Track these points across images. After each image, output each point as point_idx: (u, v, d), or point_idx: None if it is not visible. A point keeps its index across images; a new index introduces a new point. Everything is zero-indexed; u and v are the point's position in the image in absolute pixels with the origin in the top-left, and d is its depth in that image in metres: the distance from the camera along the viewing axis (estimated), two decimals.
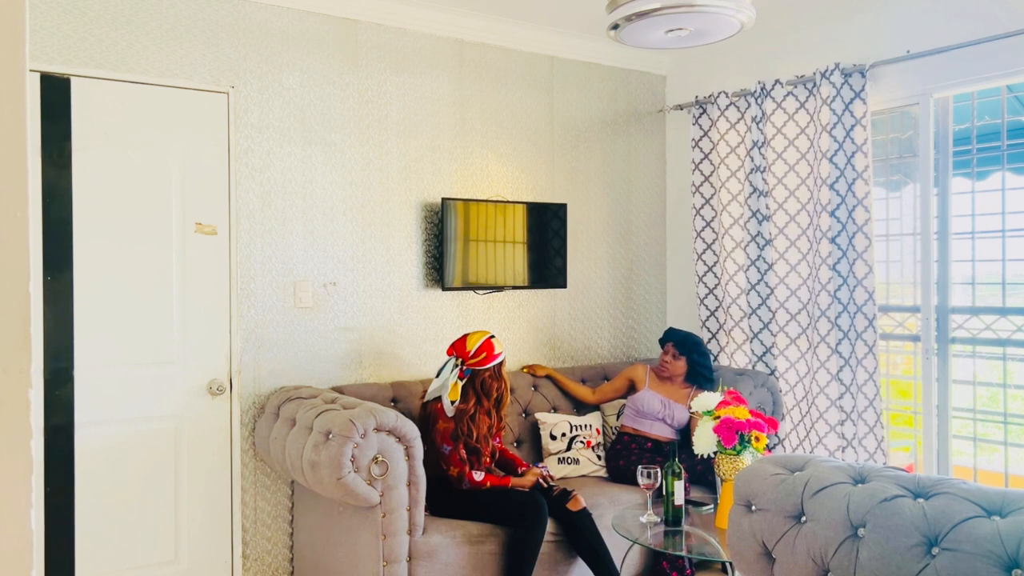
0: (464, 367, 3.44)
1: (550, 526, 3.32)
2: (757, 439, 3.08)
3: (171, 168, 3.48)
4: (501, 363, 3.53)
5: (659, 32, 2.87)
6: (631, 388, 4.23)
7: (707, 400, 3.30)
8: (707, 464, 3.69)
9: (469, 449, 3.43)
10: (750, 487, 2.05)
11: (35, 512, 0.84)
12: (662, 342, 4.20)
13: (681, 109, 4.84)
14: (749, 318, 4.46)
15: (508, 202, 4.32)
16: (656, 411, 4.02)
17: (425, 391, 3.59)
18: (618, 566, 3.39)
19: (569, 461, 4.04)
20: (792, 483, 1.96)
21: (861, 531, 1.78)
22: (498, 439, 3.66)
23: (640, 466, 3.28)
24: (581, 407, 4.33)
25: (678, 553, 3.13)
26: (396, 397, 3.85)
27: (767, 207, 4.28)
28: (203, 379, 3.56)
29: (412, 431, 3.13)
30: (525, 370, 4.36)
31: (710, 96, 4.58)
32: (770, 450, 3.60)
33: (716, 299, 4.65)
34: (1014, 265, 3.66)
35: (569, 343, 4.67)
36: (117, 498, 3.37)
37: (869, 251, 3.89)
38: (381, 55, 4.01)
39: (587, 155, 4.74)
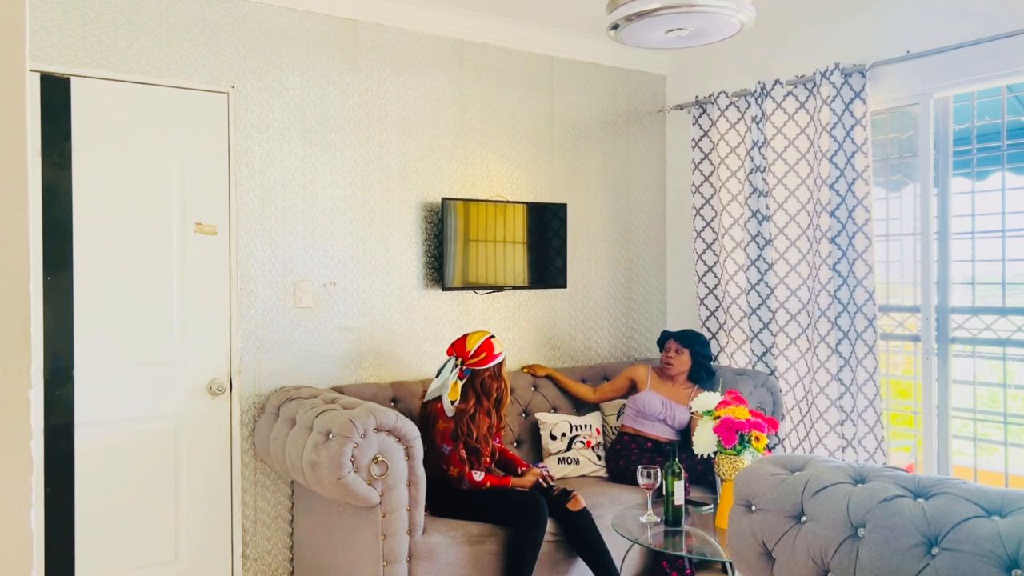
0: (464, 367, 3.44)
1: (550, 526, 3.32)
2: (757, 439, 3.08)
3: (171, 168, 3.48)
4: (501, 363, 3.52)
5: (659, 32, 2.87)
6: (632, 388, 4.23)
7: (707, 400, 3.30)
8: (707, 464, 3.69)
9: (469, 449, 3.43)
10: (750, 487, 2.05)
11: (35, 512, 0.84)
12: (661, 342, 4.22)
13: (681, 109, 4.84)
14: (749, 318, 4.46)
15: (508, 202, 4.32)
16: (657, 411, 4.02)
17: (425, 391, 3.59)
18: (618, 566, 3.39)
19: (569, 461, 4.04)
20: (792, 483, 1.96)
21: (861, 531, 1.78)
22: (498, 439, 3.66)
23: (640, 466, 3.28)
24: (581, 407, 4.33)
25: (678, 553, 3.13)
26: (396, 397, 3.85)
27: (767, 207, 4.28)
28: (203, 379, 3.56)
29: (412, 431, 3.13)
30: (525, 370, 4.36)
31: (710, 96, 4.58)
32: (770, 450, 3.60)
33: (716, 299, 4.65)
34: (1014, 265, 3.66)
35: (569, 343, 4.67)
36: (117, 498, 3.37)
37: (869, 251, 3.89)
38: (381, 55, 4.01)
39: (587, 155, 4.74)
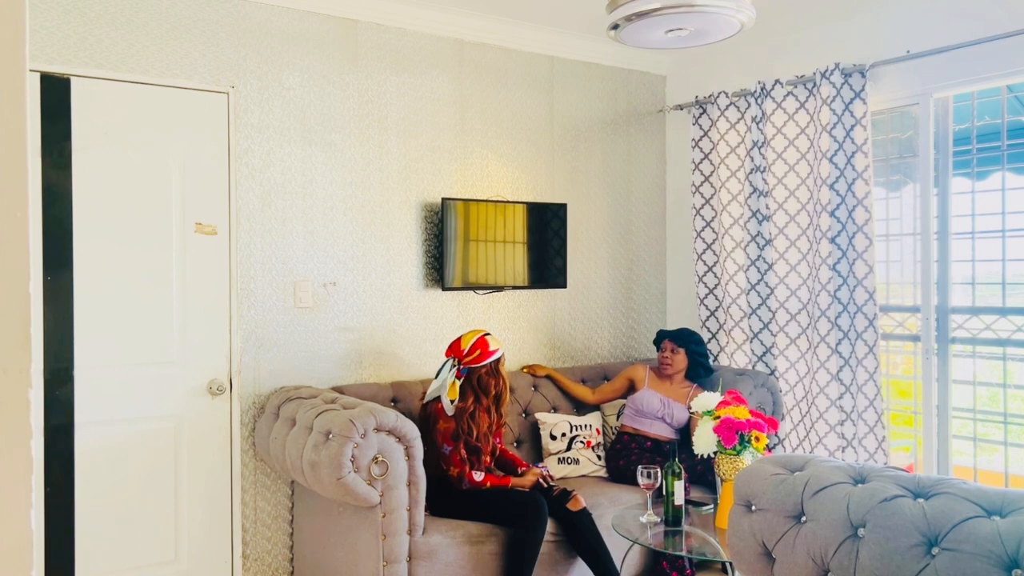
0: (460, 366, 3.46)
1: (550, 526, 3.32)
2: (757, 439, 3.08)
3: (171, 168, 3.48)
4: (498, 360, 3.53)
5: (659, 32, 2.87)
6: (631, 388, 4.23)
7: (707, 400, 3.30)
8: (707, 464, 3.69)
9: (469, 448, 3.43)
10: (750, 487, 2.05)
11: (35, 512, 0.84)
12: (656, 342, 4.22)
13: (681, 109, 4.84)
14: (749, 318, 4.46)
15: (508, 202, 4.32)
16: (655, 410, 4.02)
17: (425, 392, 3.60)
18: (618, 566, 3.39)
19: (569, 461, 4.04)
20: (792, 483, 1.96)
21: (861, 531, 1.78)
22: (498, 438, 3.66)
23: (640, 466, 3.28)
24: (581, 407, 4.33)
25: (678, 553, 3.13)
26: (396, 397, 3.85)
27: (767, 207, 4.28)
28: (203, 379, 3.56)
29: (412, 431, 3.13)
30: (525, 370, 4.36)
31: (710, 96, 4.58)
32: (770, 450, 3.60)
33: (716, 299, 4.65)
34: (1014, 265, 3.66)
35: (569, 343, 4.67)
36: (117, 498, 3.37)
37: (869, 251, 3.89)
38: (381, 55, 4.01)
39: (587, 155, 4.74)
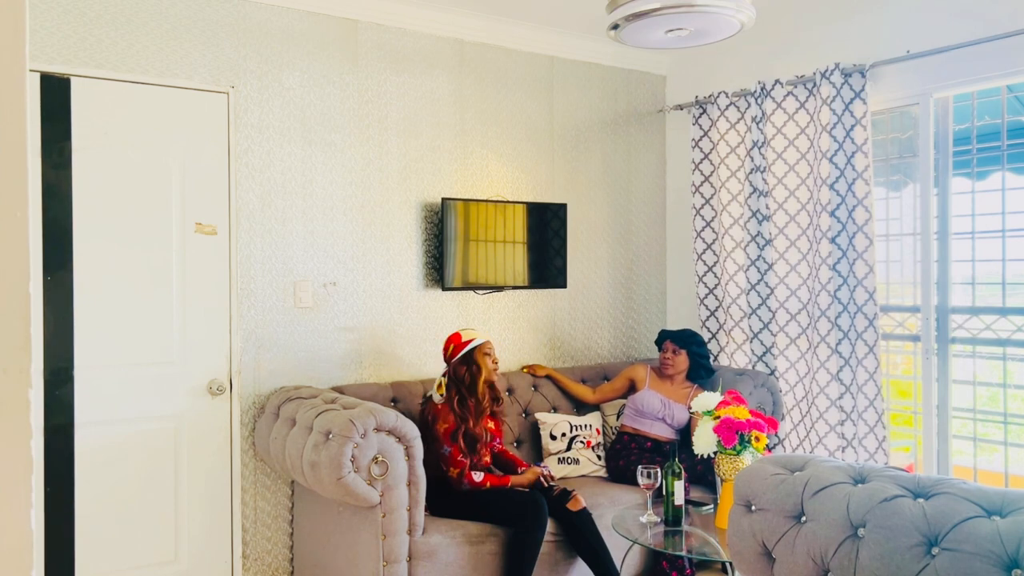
0: (448, 366, 3.52)
1: (550, 526, 3.32)
2: (757, 439, 3.08)
3: (171, 168, 3.48)
4: (473, 350, 3.52)
5: (659, 32, 2.87)
6: (631, 388, 4.23)
7: (707, 400, 3.30)
8: (707, 464, 3.69)
9: (468, 440, 3.44)
10: (750, 487, 2.05)
11: (35, 512, 0.84)
12: (658, 342, 4.22)
13: (681, 109, 4.84)
14: (749, 318, 4.46)
15: (508, 202, 4.32)
16: (656, 410, 4.02)
17: (425, 392, 3.61)
18: (618, 566, 3.39)
19: (569, 461, 4.03)
20: (792, 483, 1.96)
21: (861, 531, 1.78)
22: (498, 438, 3.66)
23: (640, 466, 3.28)
24: (581, 407, 4.33)
25: (678, 553, 3.13)
26: (396, 397, 3.85)
27: (767, 207, 4.28)
28: (203, 379, 3.56)
29: (412, 431, 3.13)
30: (525, 370, 4.36)
31: (710, 96, 4.58)
32: (770, 450, 3.60)
33: (716, 299, 4.65)
34: (1014, 265, 3.66)
35: (569, 343, 4.67)
36: (117, 498, 3.37)
37: (869, 251, 3.89)
38: (381, 55, 4.01)
39: (587, 155, 4.74)
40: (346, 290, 3.92)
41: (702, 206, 4.67)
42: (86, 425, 3.29)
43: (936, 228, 3.82)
